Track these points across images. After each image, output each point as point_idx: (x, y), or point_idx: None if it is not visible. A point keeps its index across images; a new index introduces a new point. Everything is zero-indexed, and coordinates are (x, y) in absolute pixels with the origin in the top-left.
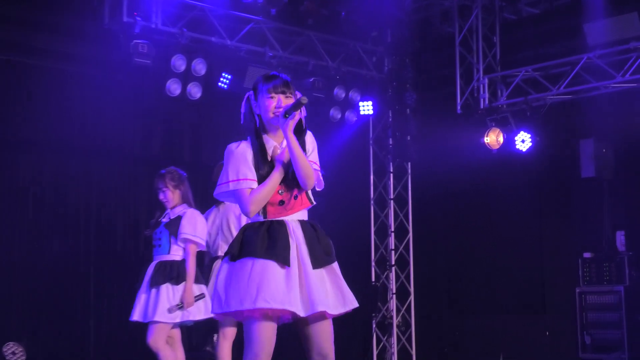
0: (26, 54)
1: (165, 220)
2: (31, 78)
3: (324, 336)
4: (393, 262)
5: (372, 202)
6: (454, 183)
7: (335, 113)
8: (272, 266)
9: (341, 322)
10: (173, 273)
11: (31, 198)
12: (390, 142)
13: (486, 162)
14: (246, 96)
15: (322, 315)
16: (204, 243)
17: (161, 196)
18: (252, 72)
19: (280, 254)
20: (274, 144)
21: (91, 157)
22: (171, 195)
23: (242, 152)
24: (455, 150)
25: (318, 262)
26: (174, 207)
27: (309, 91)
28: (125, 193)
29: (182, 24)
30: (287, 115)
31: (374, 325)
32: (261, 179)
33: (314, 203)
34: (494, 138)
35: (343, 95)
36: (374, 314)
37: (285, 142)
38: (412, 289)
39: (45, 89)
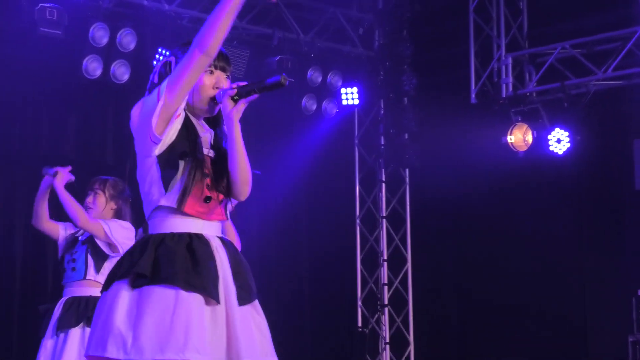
0: None
1: (83, 236)
2: None
3: None
4: (386, 301)
5: (357, 221)
6: (466, 197)
7: (309, 103)
8: (199, 301)
9: None
10: (89, 311)
11: None
12: (382, 142)
13: (510, 168)
14: (163, 62)
15: None
16: None
17: (88, 199)
18: None
19: (209, 284)
20: (200, 133)
21: None
22: (102, 203)
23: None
24: (468, 153)
25: (244, 296)
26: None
27: (273, 73)
28: (25, 204)
29: None
30: (237, 98)
31: None
32: (178, 157)
33: (229, 219)
34: (520, 137)
35: (319, 79)
36: None
37: (203, 129)
38: (411, 337)
39: None
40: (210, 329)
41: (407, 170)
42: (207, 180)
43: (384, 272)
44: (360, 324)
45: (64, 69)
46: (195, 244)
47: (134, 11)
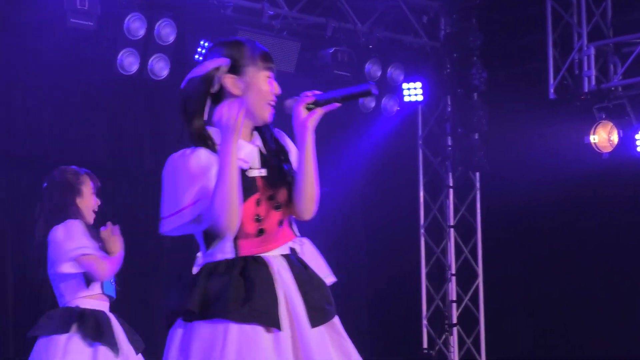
0: None
1: None
2: None
3: None
4: (455, 321)
5: (422, 230)
6: (543, 204)
7: (367, 100)
8: (255, 333)
9: None
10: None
11: None
12: (450, 143)
13: (592, 172)
14: (214, 65)
15: None
16: None
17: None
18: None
19: (265, 312)
20: (246, 145)
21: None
22: None
23: (205, 165)
24: (545, 155)
25: (317, 317)
26: None
27: (329, 67)
28: None
29: None
30: (312, 106)
31: None
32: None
33: (298, 235)
34: (604, 136)
35: (379, 73)
36: None
37: (249, 147)
38: None
39: None
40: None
41: (477, 174)
42: (259, 211)
43: (452, 287)
44: (425, 346)
45: (96, 64)
46: (250, 269)
47: (174, 0)
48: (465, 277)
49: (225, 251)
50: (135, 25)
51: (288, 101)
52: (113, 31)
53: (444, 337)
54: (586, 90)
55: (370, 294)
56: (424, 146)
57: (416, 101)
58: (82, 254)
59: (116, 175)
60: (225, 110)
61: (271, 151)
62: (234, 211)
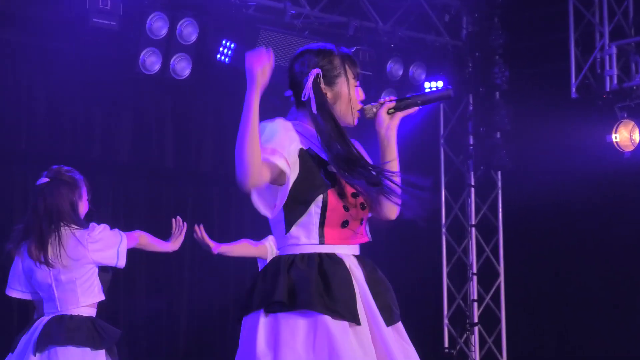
0: None
1: None
2: None
3: None
4: (476, 320)
5: (443, 230)
6: (565, 203)
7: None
8: (341, 326)
9: None
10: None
11: None
12: (471, 142)
13: (614, 170)
14: (313, 76)
15: None
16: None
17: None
18: (266, 38)
19: (347, 307)
20: None
21: (25, 162)
22: None
23: (288, 130)
24: (567, 154)
25: (387, 317)
26: None
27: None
28: None
29: None
30: (392, 111)
31: None
32: (302, 199)
33: (370, 239)
34: (626, 135)
35: (400, 72)
36: None
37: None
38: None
39: None
40: (359, 351)
41: (499, 173)
42: (344, 203)
43: (474, 287)
44: (447, 345)
45: (118, 63)
46: (326, 264)
47: (196, 0)
48: (487, 276)
49: (311, 236)
50: (158, 25)
51: (367, 107)
52: (135, 31)
53: (465, 336)
54: (608, 89)
55: None
56: (445, 145)
57: None
58: (136, 236)
59: (138, 174)
60: (253, 60)
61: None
62: (252, 163)
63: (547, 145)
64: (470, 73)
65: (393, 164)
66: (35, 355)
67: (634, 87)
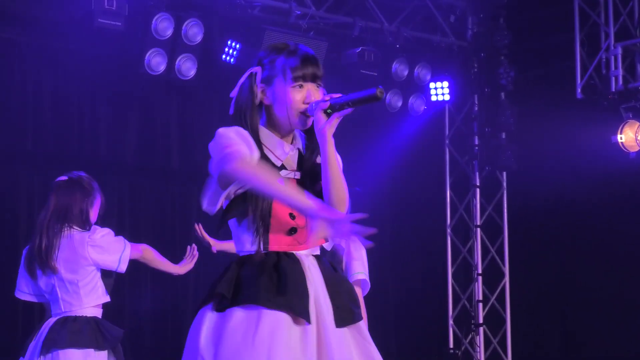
0: None
1: None
2: None
3: None
4: (481, 320)
5: (448, 230)
6: (570, 203)
7: (394, 99)
8: (285, 322)
9: None
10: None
11: None
12: (476, 142)
13: (619, 171)
14: (248, 74)
15: None
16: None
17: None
18: (271, 38)
19: (297, 303)
20: (284, 144)
21: (31, 163)
22: None
23: (244, 135)
24: (573, 154)
25: (342, 318)
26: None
27: (356, 67)
28: None
29: None
30: (330, 112)
31: None
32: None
33: (328, 241)
34: (631, 136)
35: (406, 72)
36: None
37: (288, 147)
38: None
39: None
40: (299, 350)
41: (504, 173)
42: (289, 210)
43: (479, 287)
44: (451, 345)
45: (124, 64)
46: (284, 262)
47: (201, 0)
48: (492, 276)
49: (254, 242)
50: (163, 25)
51: (309, 105)
52: (140, 31)
53: (470, 336)
54: (613, 89)
55: (396, 293)
56: (450, 145)
57: (443, 100)
58: (140, 249)
59: (144, 174)
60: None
61: (311, 155)
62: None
63: (552, 145)
64: (476, 73)
65: (326, 163)
66: (39, 358)
67: None
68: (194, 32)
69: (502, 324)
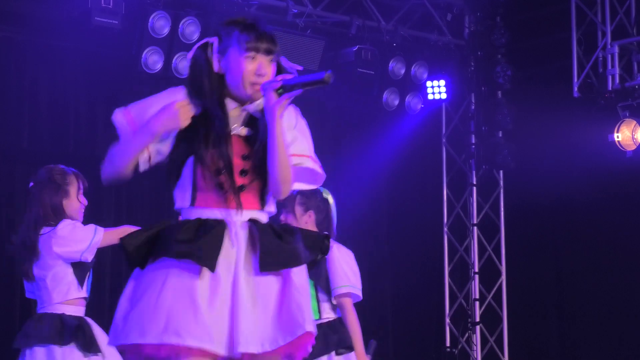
0: None
1: None
2: None
3: None
4: (478, 319)
5: (445, 229)
6: (567, 202)
7: (390, 98)
8: (192, 275)
9: None
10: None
11: None
12: (473, 141)
13: (616, 170)
14: (202, 42)
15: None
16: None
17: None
18: None
19: (201, 253)
20: (231, 103)
21: (27, 161)
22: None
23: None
24: (569, 153)
25: (268, 263)
26: None
27: (353, 65)
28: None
29: None
30: (281, 91)
31: None
32: (211, 160)
33: (269, 211)
34: (628, 134)
35: (402, 71)
36: None
37: (250, 107)
38: (505, 358)
39: None
40: (206, 304)
41: (501, 172)
42: (220, 164)
43: (475, 286)
44: (448, 344)
45: (121, 62)
46: (208, 225)
47: None
48: (489, 275)
49: (184, 198)
50: (160, 24)
51: (262, 84)
52: (137, 29)
53: (466, 335)
54: (610, 88)
55: (393, 291)
56: (447, 144)
57: (440, 99)
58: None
59: (142, 173)
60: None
61: (262, 121)
62: (120, 170)
63: (549, 144)
64: (473, 72)
65: (273, 141)
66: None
67: (636, 87)
68: (191, 30)
69: (499, 323)
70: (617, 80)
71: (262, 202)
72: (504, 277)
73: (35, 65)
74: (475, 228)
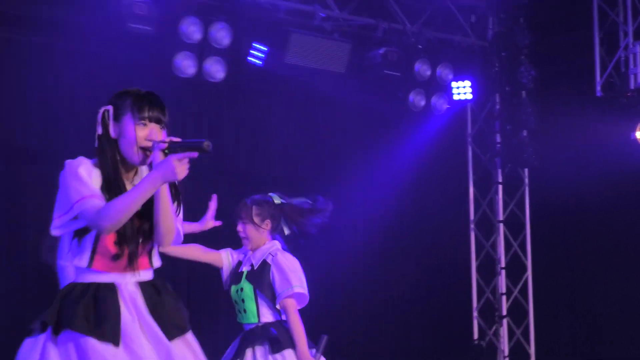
0: None
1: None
2: None
3: None
4: (505, 312)
5: (472, 225)
6: (590, 199)
7: (417, 98)
8: (97, 346)
9: None
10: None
11: None
12: (498, 140)
13: (639, 168)
14: (101, 111)
15: None
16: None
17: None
18: (297, 41)
19: (108, 329)
20: (129, 169)
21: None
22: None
23: (88, 172)
24: (592, 151)
25: (172, 332)
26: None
27: (380, 67)
28: None
29: None
30: (167, 152)
31: None
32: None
33: (154, 267)
34: None
35: (428, 72)
36: None
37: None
38: (532, 350)
39: None
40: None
41: (525, 170)
42: (113, 237)
43: (502, 280)
44: (476, 337)
45: (154, 67)
46: (102, 292)
47: (228, 4)
48: (515, 270)
49: (82, 258)
50: (192, 29)
51: (152, 143)
52: (170, 35)
53: (494, 328)
54: (632, 87)
55: (421, 287)
56: (473, 143)
57: (465, 99)
58: None
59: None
60: (177, 165)
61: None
62: (122, 223)
63: (572, 142)
64: (497, 72)
65: (157, 197)
66: None
67: None
68: (222, 35)
69: (525, 316)
70: (639, 80)
71: (151, 260)
72: (529, 272)
73: (71, 71)
74: (501, 225)
